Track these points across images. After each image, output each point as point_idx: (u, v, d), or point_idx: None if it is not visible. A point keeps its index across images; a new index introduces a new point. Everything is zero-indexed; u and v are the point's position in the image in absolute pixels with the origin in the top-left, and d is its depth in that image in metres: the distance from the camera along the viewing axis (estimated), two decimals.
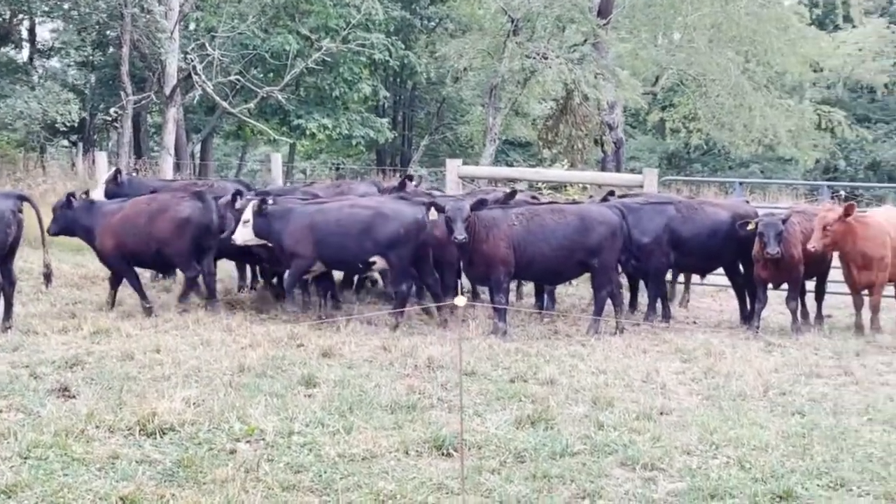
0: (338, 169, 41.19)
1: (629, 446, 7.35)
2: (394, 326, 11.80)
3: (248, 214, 12.22)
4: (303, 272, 12.28)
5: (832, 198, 27.25)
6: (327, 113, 31.12)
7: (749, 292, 12.98)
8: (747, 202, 13.52)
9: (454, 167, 17.04)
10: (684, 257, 12.87)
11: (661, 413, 8.34)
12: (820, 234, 11.80)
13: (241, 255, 13.49)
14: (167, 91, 24.73)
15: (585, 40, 27.29)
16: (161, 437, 7.28)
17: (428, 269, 12.38)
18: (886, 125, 48.84)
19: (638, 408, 8.38)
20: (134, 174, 20.64)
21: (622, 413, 8.20)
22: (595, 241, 11.94)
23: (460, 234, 11.37)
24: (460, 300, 6.86)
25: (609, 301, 12.17)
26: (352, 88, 31.02)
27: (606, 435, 7.60)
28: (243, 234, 12.27)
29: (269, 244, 12.35)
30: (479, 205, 11.71)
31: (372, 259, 12.11)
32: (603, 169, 33.51)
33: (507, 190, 14.59)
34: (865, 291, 12.46)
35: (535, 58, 25.87)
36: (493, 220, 11.80)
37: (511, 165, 38.21)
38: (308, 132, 30.71)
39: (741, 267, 13.07)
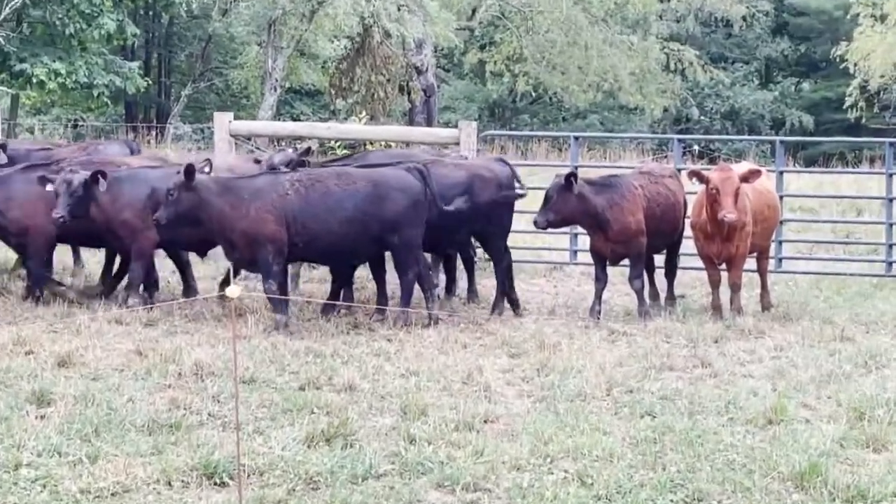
0: (75, 126, 40.14)
1: (447, 463, 7.41)
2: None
3: None
4: None
5: (684, 154, 28.19)
6: (59, 56, 30.22)
7: (497, 269, 13.29)
8: (503, 160, 13.61)
9: (224, 122, 16.77)
10: None
11: (486, 421, 8.45)
12: (733, 200, 12.16)
13: None
14: None
15: None
16: None
17: None
18: (745, 65, 50.90)
19: (457, 416, 8.46)
20: None
21: (438, 423, 8.26)
22: (392, 212, 11.95)
23: (58, 212, 11.49)
24: (233, 290, 6.78)
25: (419, 286, 12.27)
26: (91, 24, 30.20)
27: (419, 451, 7.64)
28: None
29: None
30: (188, 174, 11.52)
31: None
32: (411, 122, 33.80)
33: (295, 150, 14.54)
34: (723, 266, 12.92)
35: None
36: (256, 189, 11.71)
37: (297, 119, 38.06)
38: (35, 80, 29.76)
39: (483, 239, 13.37)
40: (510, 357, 10.70)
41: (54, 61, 29.85)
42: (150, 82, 37.88)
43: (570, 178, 12.21)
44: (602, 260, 12.74)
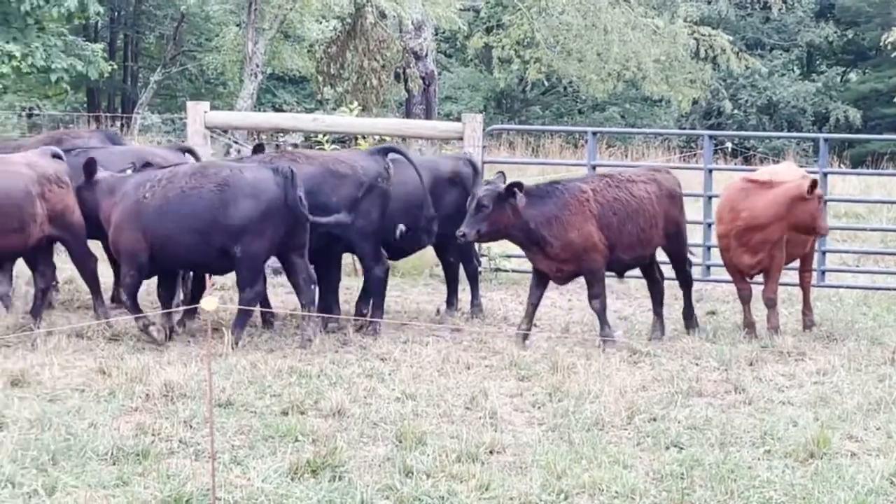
0: (30, 115, 40.07)
1: (447, 499, 7.44)
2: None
3: None
4: None
5: (715, 152, 28.28)
6: (14, 36, 30.25)
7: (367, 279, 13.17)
8: (388, 153, 13.23)
9: (199, 113, 16.84)
10: None
11: (491, 451, 8.47)
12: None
13: None
14: None
15: None
16: None
17: None
18: (785, 53, 50.86)
19: (459, 445, 8.47)
20: None
21: (438, 453, 8.28)
22: (238, 220, 11.76)
23: None
24: (209, 302, 6.80)
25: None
26: (49, 1, 30.26)
27: (416, 484, 7.66)
28: None
29: None
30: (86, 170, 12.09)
31: None
32: (408, 114, 33.81)
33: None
34: (758, 277, 12.93)
35: None
36: (125, 191, 12.06)
37: (280, 109, 38.08)
38: None
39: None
40: (519, 380, 10.72)
41: (7, 42, 29.84)
42: (116, 66, 37.91)
43: (514, 188, 12.06)
44: (544, 278, 12.66)
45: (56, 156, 12.60)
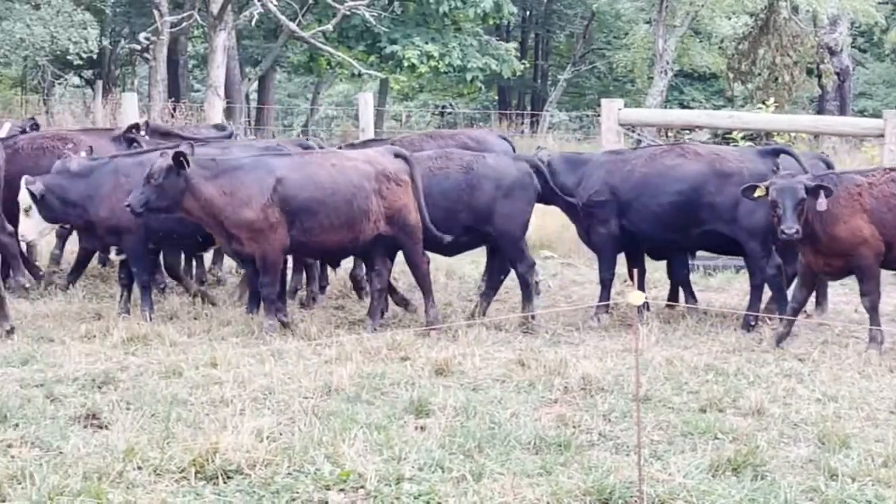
0: (443, 114, 41.38)
1: (875, 503, 7.28)
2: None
3: (26, 199, 12.11)
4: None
5: None
6: (432, 37, 31.27)
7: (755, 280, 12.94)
8: (778, 154, 12.97)
9: (613, 110, 17.00)
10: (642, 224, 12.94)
11: None
12: None
13: None
14: (214, 9, 25.09)
15: None
16: (225, 481, 7.43)
17: None
18: None
19: (885, 450, 8.26)
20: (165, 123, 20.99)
21: (862, 457, 8.11)
22: (484, 200, 12.45)
23: None
24: (636, 296, 6.85)
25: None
26: (466, 2, 31.12)
27: (842, 487, 7.52)
28: (32, 227, 12.40)
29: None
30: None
31: None
32: (821, 110, 33.16)
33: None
34: None
35: None
36: None
37: (686, 106, 37.98)
38: (406, 63, 30.87)
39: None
40: None
41: (426, 43, 30.86)
42: (527, 65, 38.64)
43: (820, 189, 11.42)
44: (823, 274, 12.10)
45: (399, 155, 12.61)
